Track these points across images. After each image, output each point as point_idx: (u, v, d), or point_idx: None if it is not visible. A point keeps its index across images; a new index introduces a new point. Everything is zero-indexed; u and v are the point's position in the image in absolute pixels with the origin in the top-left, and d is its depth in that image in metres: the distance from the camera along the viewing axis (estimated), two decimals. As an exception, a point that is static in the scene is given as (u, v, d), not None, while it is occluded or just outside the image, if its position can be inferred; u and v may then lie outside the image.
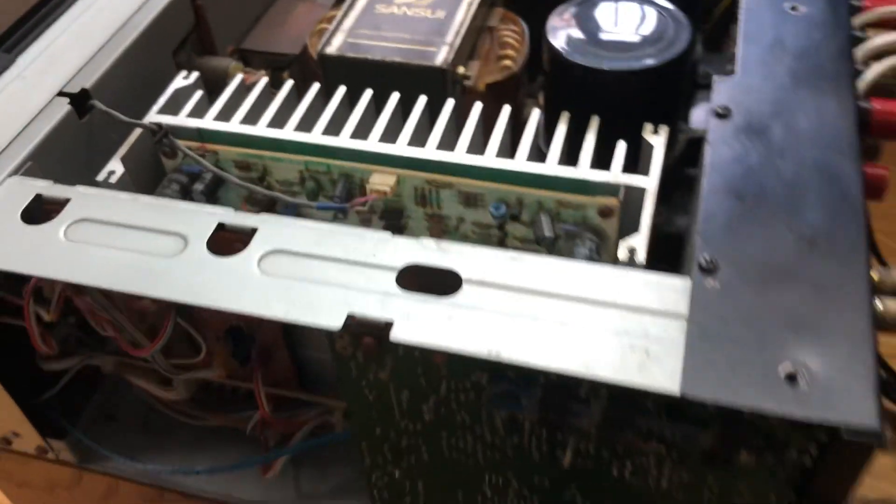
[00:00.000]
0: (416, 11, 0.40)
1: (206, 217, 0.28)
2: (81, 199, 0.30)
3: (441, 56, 0.38)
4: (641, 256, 0.29)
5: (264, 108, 0.36)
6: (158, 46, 0.39)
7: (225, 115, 0.35)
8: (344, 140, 0.34)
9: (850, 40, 0.34)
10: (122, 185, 0.33)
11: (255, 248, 0.27)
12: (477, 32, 0.41)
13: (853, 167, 0.29)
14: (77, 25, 0.37)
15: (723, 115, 0.31)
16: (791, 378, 0.23)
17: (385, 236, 0.27)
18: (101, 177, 0.33)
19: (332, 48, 0.39)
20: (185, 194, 0.34)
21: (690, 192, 0.36)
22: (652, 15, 0.36)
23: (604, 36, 0.35)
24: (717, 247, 0.26)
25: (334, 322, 0.25)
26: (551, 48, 0.36)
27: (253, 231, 0.28)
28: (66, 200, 0.29)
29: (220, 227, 0.28)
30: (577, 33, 0.36)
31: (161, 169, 0.35)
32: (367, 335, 0.25)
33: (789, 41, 0.33)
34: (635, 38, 0.35)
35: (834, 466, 0.23)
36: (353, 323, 0.25)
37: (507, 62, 0.40)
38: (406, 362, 0.26)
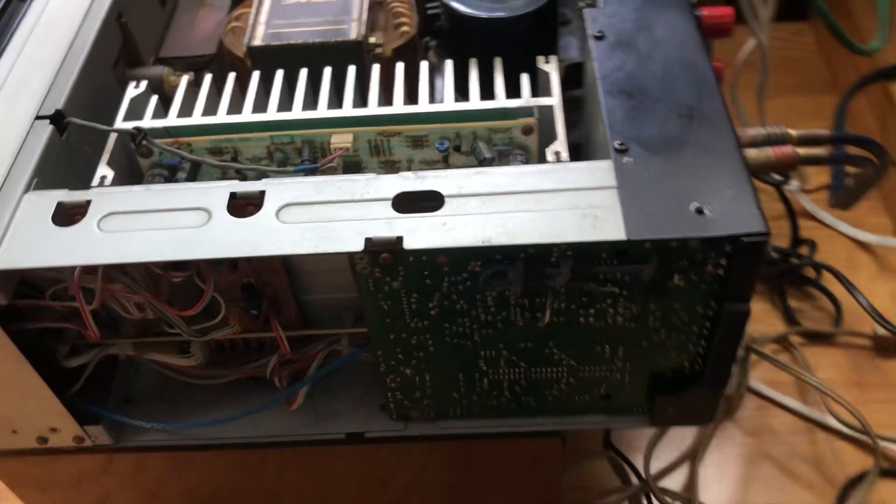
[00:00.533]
0: (318, -2, 0.46)
1: (218, 190, 0.34)
2: (100, 197, 0.34)
3: (353, 31, 0.44)
4: (566, 155, 0.37)
5: (212, 102, 0.41)
6: (102, 65, 0.43)
7: (184, 111, 0.41)
8: (299, 113, 0.40)
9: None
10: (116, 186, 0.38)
11: (269, 205, 0.33)
12: (373, 7, 0.47)
13: (703, 59, 0.38)
14: (27, 55, 0.41)
15: (599, 37, 0.39)
16: (699, 211, 0.31)
17: (370, 176, 0.34)
18: (95, 182, 0.37)
19: (258, 40, 0.44)
20: (168, 182, 0.39)
21: (578, 109, 0.45)
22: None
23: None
24: (623, 133, 0.35)
25: (356, 246, 0.31)
26: (449, 7, 0.43)
27: (262, 193, 0.34)
28: (88, 202, 0.34)
29: (233, 196, 0.34)
30: (466, -7, 0.43)
31: (137, 169, 0.40)
32: (383, 252, 0.32)
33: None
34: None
35: (740, 269, 0.32)
36: (370, 244, 0.32)
37: (405, 28, 0.47)
38: (415, 268, 0.33)
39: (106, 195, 0.34)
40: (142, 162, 0.40)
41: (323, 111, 0.39)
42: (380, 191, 0.33)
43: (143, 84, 0.42)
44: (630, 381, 0.39)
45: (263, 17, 0.46)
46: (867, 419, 0.56)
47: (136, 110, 0.41)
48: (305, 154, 0.39)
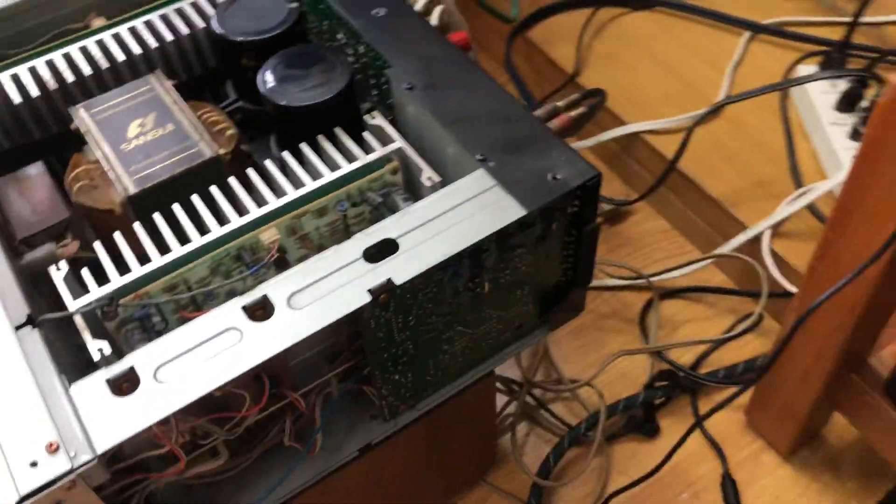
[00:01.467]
0: (154, 134, 0.53)
1: (229, 310, 0.42)
2: (137, 359, 0.40)
3: (207, 149, 0.52)
4: (437, 178, 0.50)
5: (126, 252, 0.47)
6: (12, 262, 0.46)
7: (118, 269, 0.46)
8: (219, 230, 0.48)
9: (419, 15, 0.57)
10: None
11: (278, 302, 0.42)
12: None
13: (482, 74, 0.53)
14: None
15: (410, 88, 0.52)
16: (555, 178, 0.47)
17: (335, 247, 0.44)
18: (97, 357, 0.43)
19: (133, 188, 0.50)
20: (146, 331, 0.45)
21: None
22: (319, 57, 0.54)
23: (306, 81, 0.53)
24: (476, 147, 0.48)
25: (365, 299, 0.42)
26: (277, 105, 0.52)
27: (264, 297, 0.42)
28: (131, 367, 0.40)
29: (245, 308, 0.42)
30: (286, 86, 0.53)
31: (103, 330, 0.45)
32: (381, 294, 0.43)
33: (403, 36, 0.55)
34: (320, 77, 0.53)
35: (589, 202, 0.48)
36: (373, 292, 0.42)
37: (230, 131, 0.56)
38: (400, 296, 0.44)
39: (140, 356, 0.41)
40: (109, 325, 0.45)
41: (242, 219, 0.48)
42: (349, 255, 0.44)
43: (63, 263, 0.47)
44: (533, 307, 0.54)
45: (118, 167, 0.51)
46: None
47: (74, 286, 0.46)
48: (246, 258, 0.48)
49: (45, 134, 0.58)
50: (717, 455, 0.70)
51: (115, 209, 0.51)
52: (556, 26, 0.96)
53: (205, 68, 0.61)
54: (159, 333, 0.44)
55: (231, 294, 0.47)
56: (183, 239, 0.48)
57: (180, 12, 0.60)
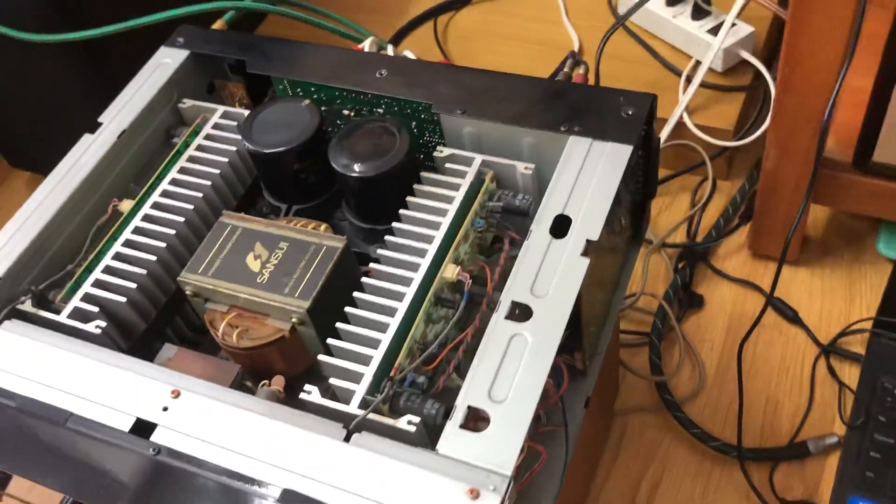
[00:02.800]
0: (276, 256, 0.56)
1: (499, 323, 0.48)
2: (464, 399, 0.45)
3: (334, 242, 0.56)
4: (532, 166, 0.58)
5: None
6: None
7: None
8: (409, 290, 0.52)
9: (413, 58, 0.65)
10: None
11: (531, 301, 0.49)
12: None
13: (496, 74, 0.61)
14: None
15: (462, 112, 0.60)
16: (628, 114, 0.57)
17: (528, 240, 0.51)
18: (413, 429, 0.46)
19: (306, 303, 0.53)
20: (422, 392, 0.49)
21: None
22: (383, 129, 0.60)
23: (377, 150, 0.58)
24: (551, 125, 0.57)
25: (582, 272, 0.50)
26: (369, 178, 0.57)
27: (516, 303, 0.49)
28: (468, 406, 0.45)
29: (507, 318, 0.48)
30: (368, 163, 0.58)
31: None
32: (584, 253, 0.50)
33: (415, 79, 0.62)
34: (383, 141, 0.59)
35: (651, 123, 0.58)
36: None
37: (322, 226, 0.60)
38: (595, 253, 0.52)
39: (463, 396, 0.45)
40: (399, 403, 0.49)
41: (419, 273, 0.53)
42: (541, 239, 0.51)
43: (312, 388, 0.49)
44: (630, 230, 0.64)
45: (272, 297, 0.54)
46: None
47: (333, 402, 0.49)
48: (447, 295, 0.53)
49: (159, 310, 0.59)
50: (753, 288, 0.84)
51: (286, 334, 0.54)
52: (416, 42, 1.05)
53: (244, 184, 0.64)
54: (427, 390, 0.49)
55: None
56: (387, 311, 0.52)
57: (204, 150, 0.63)
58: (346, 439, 0.45)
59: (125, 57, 0.70)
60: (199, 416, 0.47)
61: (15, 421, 0.49)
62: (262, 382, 0.54)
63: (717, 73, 0.93)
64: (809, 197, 0.77)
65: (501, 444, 0.43)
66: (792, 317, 0.81)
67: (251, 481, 0.44)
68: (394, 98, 0.62)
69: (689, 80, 0.91)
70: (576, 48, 0.99)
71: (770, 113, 0.73)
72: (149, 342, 0.58)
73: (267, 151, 0.60)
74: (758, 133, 0.87)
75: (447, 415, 0.45)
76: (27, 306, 0.55)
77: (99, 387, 0.49)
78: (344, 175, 0.58)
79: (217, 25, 0.76)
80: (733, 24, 0.88)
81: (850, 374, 0.77)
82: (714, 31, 0.91)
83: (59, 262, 0.60)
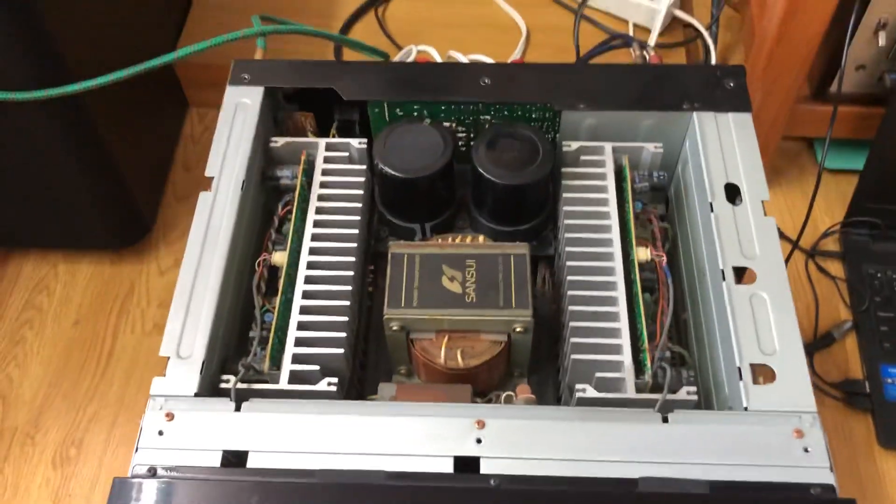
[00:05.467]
0: (469, 273, 0.57)
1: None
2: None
3: (519, 249, 0.59)
4: (660, 144, 0.64)
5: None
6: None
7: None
8: (616, 277, 0.57)
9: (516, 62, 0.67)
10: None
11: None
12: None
13: (594, 66, 0.66)
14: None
15: (583, 107, 0.64)
16: (730, 85, 0.64)
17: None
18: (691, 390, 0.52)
19: (527, 313, 0.56)
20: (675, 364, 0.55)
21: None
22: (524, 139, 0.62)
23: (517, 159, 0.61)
24: (670, 106, 0.63)
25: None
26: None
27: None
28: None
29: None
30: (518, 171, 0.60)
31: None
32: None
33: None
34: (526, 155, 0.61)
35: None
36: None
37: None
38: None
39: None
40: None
41: (615, 262, 0.57)
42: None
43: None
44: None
45: (484, 312, 0.56)
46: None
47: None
48: (650, 274, 0.58)
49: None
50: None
51: (504, 341, 0.57)
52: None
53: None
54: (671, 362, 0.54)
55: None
56: (609, 302, 0.56)
57: (329, 186, 0.62)
58: (665, 420, 0.50)
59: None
60: (517, 438, 0.49)
61: (328, 494, 0.47)
62: (506, 394, 0.56)
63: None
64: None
65: (795, 388, 0.50)
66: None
67: (606, 482, 0.47)
68: (507, 103, 0.64)
69: (641, 45, 1.00)
70: (523, 28, 1.04)
71: (752, 61, 0.84)
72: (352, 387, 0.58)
73: (418, 176, 0.60)
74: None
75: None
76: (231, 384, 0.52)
77: (391, 439, 0.49)
78: (494, 183, 0.60)
79: (258, 55, 0.72)
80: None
81: (836, 270, 0.92)
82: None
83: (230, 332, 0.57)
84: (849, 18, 0.80)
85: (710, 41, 0.99)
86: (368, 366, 0.64)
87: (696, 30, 1.01)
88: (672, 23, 1.04)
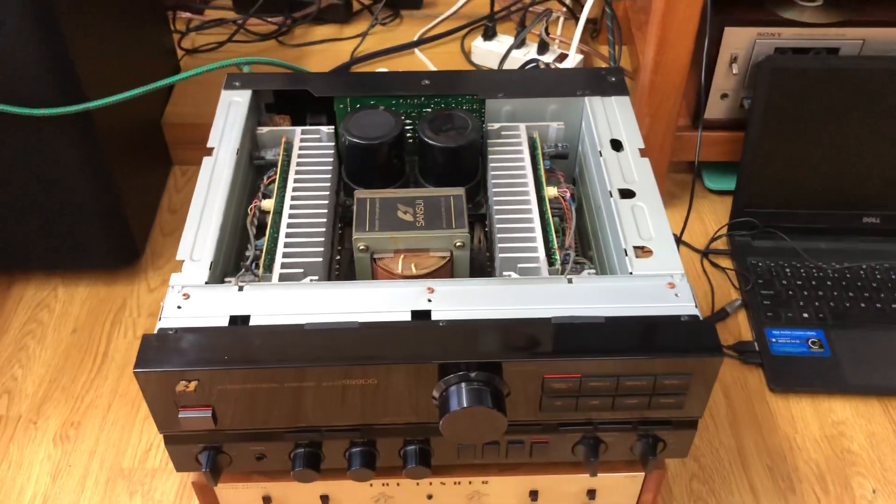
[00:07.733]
0: (419, 207, 0.74)
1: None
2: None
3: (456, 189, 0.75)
4: (562, 123, 0.83)
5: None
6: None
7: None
8: (530, 199, 0.74)
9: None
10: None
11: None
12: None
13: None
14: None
15: (502, 95, 0.83)
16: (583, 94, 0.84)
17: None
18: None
19: (461, 231, 0.72)
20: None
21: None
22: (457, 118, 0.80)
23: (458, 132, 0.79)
24: (564, 92, 0.83)
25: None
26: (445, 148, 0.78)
27: (618, 190, 0.73)
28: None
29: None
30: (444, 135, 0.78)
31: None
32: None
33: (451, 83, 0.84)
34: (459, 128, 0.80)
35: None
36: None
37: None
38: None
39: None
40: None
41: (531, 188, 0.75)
42: (612, 155, 0.76)
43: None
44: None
45: (431, 232, 0.72)
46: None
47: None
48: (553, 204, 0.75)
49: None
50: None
51: (447, 256, 0.72)
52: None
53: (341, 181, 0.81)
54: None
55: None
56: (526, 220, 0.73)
57: (307, 156, 0.78)
58: (570, 282, 0.65)
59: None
60: (459, 297, 0.64)
61: (317, 337, 0.61)
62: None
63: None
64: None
65: (667, 259, 0.67)
66: (677, 239, 1.12)
67: (526, 321, 0.62)
68: (443, 95, 0.83)
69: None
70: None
71: (639, 90, 1.06)
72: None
73: (376, 142, 0.78)
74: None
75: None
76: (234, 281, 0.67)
77: (363, 302, 0.63)
78: (436, 147, 0.78)
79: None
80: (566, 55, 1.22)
81: (726, 264, 1.10)
82: (559, 59, 1.24)
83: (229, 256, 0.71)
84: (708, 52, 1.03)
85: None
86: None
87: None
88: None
